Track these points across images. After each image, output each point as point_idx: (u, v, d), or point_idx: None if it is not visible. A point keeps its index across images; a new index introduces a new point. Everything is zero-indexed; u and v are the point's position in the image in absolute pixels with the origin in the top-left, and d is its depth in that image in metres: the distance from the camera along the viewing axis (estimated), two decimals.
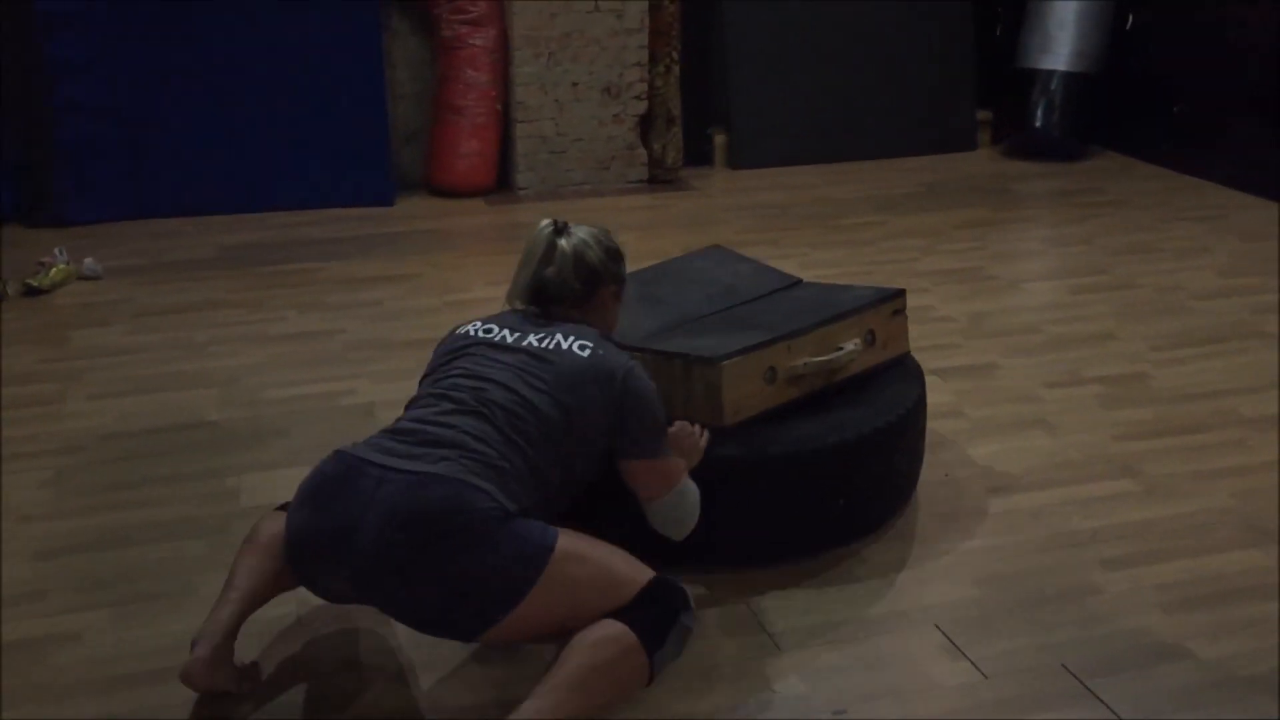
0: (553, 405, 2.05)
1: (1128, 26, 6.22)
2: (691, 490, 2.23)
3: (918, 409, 2.64)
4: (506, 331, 2.18)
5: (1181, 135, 5.98)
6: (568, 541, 1.93)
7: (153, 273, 4.43)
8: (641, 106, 5.60)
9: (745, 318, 2.69)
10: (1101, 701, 2.08)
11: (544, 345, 2.12)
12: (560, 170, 5.59)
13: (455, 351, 2.20)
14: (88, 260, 4.39)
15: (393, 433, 2.07)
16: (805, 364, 2.49)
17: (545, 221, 2.26)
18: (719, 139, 6.09)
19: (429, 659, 2.20)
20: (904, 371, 2.71)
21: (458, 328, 2.29)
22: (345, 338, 3.80)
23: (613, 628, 1.92)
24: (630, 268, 2.40)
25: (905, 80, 6.25)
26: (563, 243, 2.21)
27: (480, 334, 2.21)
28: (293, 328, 3.89)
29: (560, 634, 1.94)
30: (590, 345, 2.13)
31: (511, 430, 2.01)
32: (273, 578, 2.10)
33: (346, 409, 3.28)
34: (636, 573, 2.01)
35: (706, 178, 5.88)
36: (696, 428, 2.32)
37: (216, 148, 5.12)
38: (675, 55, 5.62)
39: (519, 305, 2.26)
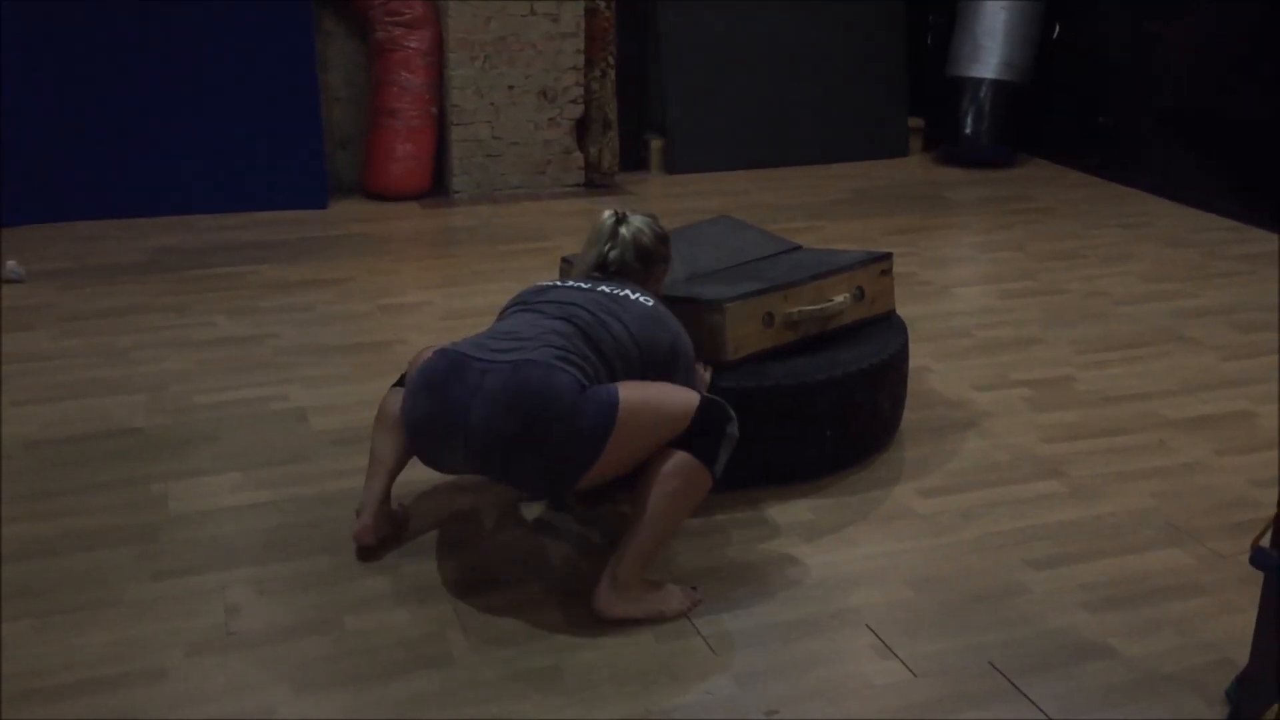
0: (624, 331, 2.39)
1: (1054, 37, 6.34)
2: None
3: (900, 356, 3.00)
4: (581, 282, 2.54)
5: (1106, 144, 6.12)
6: (628, 392, 2.27)
7: (78, 276, 4.35)
8: (578, 111, 5.61)
9: (749, 273, 3.03)
10: (1029, 700, 2.12)
11: (614, 292, 2.47)
12: (496, 174, 5.58)
13: (537, 291, 2.54)
14: (10, 263, 4.29)
15: (488, 335, 2.40)
16: (800, 311, 2.84)
17: (608, 212, 2.63)
18: (655, 144, 6.12)
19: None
20: (890, 325, 3.08)
21: (537, 283, 2.62)
22: (276, 343, 3.75)
23: (677, 458, 2.28)
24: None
25: (838, 87, 6.33)
26: (623, 230, 2.58)
27: (558, 283, 2.56)
28: (222, 332, 3.83)
29: (635, 468, 2.31)
30: (653, 300, 2.50)
31: (587, 333, 2.35)
32: (405, 449, 2.53)
33: (278, 414, 3.24)
34: (687, 404, 2.31)
35: (642, 182, 5.90)
36: (700, 365, 2.67)
37: (145, 150, 5.03)
38: (611, 60, 5.64)
39: (581, 278, 2.59)
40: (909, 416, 3.25)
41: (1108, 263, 4.72)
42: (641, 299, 2.47)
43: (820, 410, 2.82)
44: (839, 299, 2.93)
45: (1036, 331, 3.95)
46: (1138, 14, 5.91)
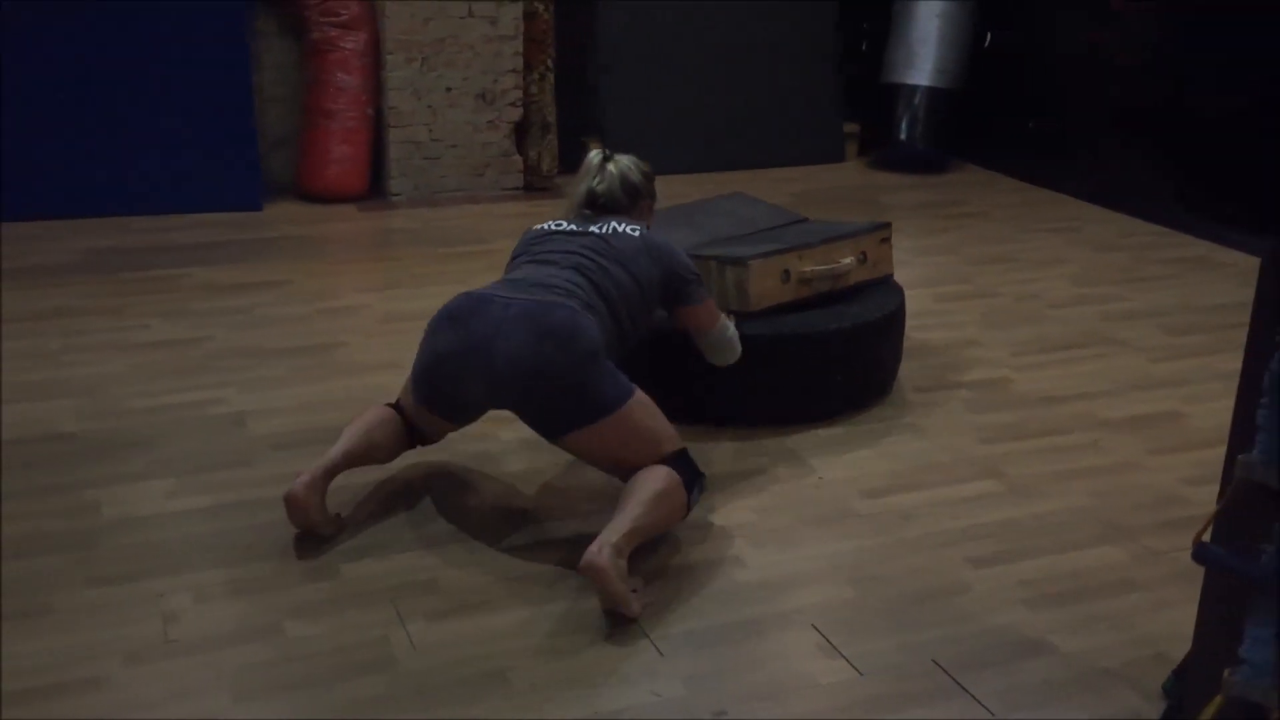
0: (622, 271, 2.62)
1: (986, 44, 6.45)
2: (730, 324, 2.92)
3: (898, 313, 3.41)
4: (574, 225, 2.76)
5: (1037, 150, 6.23)
6: (641, 395, 2.51)
7: (8, 278, 4.23)
8: (516, 113, 5.59)
9: (765, 238, 3.41)
10: (972, 696, 2.15)
11: (604, 231, 2.70)
12: (434, 176, 5.53)
13: (538, 238, 2.76)
14: None
15: (507, 282, 2.59)
16: (812, 270, 3.24)
17: (594, 151, 2.88)
18: (592, 147, 6.10)
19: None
20: (889, 287, 3.48)
21: (533, 226, 2.85)
22: (212, 345, 3.69)
23: (664, 469, 2.47)
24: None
25: (775, 92, 6.37)
26: (610, 166, 2.84)
27: (553, 227, 2.78)
28: (156, 335, 3.76)
29: (611, 469, 2.56)
30: (638, 229, 2.74)
31: (596, 284, 2.57)
32: (367, 447, 2.64)
33: (215, 419, 3.18)
34: (674, 439, 2.56)
35: None
36: (725, 314, 2.97)
37: (77, 150, 4.92)
38: (550, 63, 5.62)
39: (571, 215, 2.82)
40: (849, 419, 3.28)
41: (1040, 266, 4.81)
42: (628, 230, 2.72)
43: (831, 357, 3.20)
44: (846, 261, 3.32)
45: (973, 334, 4.01)
46: (1067, 22, 6.03)
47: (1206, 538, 1.38)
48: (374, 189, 5.53)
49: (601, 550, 2.28)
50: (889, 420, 3.30)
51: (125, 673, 2.15)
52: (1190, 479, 3.01)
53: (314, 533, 2.58)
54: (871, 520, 2.77)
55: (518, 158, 5.66)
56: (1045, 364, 3.76)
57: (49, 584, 2.41)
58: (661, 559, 2.58)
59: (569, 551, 2.58)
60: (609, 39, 6.02)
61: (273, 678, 2.15)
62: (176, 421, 3.16)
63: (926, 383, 3.57)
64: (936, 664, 2.24)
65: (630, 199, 2.83)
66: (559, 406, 2.45)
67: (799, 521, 2.76)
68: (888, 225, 3.50)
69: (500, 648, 2.26)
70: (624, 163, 2.85)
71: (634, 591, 2.38)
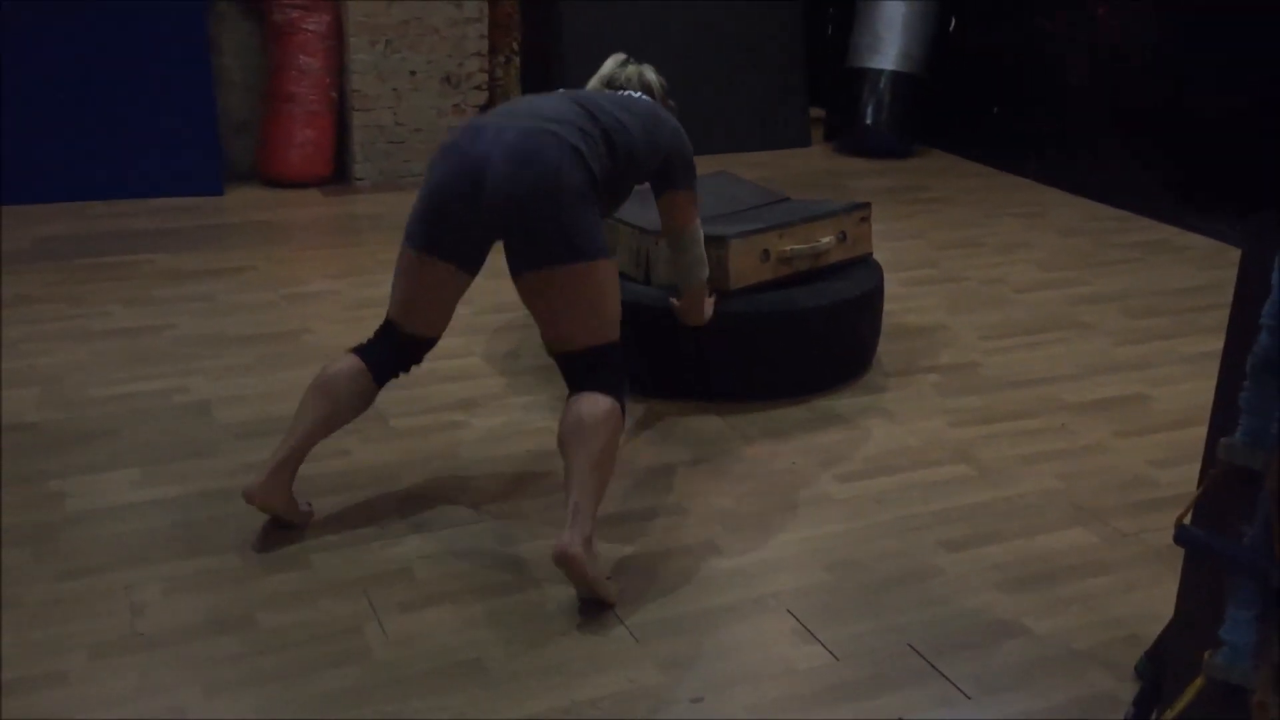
0: (627, 115, 2.60)
1: (950, 29, 6.47)
2: (699, 232, 2.93)
3: (877, 291, 3.45)
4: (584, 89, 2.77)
5: (1000, 135, 6.26)
6: (612, 264, 2.49)
7: None
8: (482, 97, 5.54)
9: (746, 217, 3.44)
10: (947, 679, 2.16)
11: (620, 93, 2.75)
12: (399, 161, 5.48)
13: (549, 90, 2.77)
14: None
15: (504, 110, 2.56)
16: (792, 250, 3.28)
17: (616, 54, 2.95)
18: None
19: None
20: (868, 266, 3.53)
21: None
22: (174, 333, 3.63)
23: (605, 402, 2.40)
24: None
25: (740, 78, 6.36)
26: (630, 66, 2.90)
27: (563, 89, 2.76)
28: (117, 323, 3.70)
29: (549, 331, 2.48)
30: (649, 101, 2.77)
31: (595, 116, 2.53)
32: (325, 419, 2.54)
33: (179, 407, 3.13)
34: (614, 328, 2.50)
35: None
36: (707, 293, 3.02)
37: (31, 135, 4.83)
38: (515, 46, 5.58)
39: None
40: (821, 404, 3.29)
41: (1005, 251, 4.83)
42: (643, 97, 2.77)
43: (811, 334, 3.26)
44: (825, 240, 3.36)
45: (941, 318, 4.02)
46: (1030, 7, 6.06)
47: (1188, 520, 1.39)
48: (338, 174, 5.46)
49: (573, 541, 2.26)
50: (862, 403, 3.31)
51: (92, 666, 2.11)
52: (1157, 461, 3.04)
53: (283, 523, 2.56)
54: (845, 504, 2.77)
55: None
56: (1012, 348, 3.78)
57: (14, 577, 2.36)
58: (636, 545, 2.57)
59: (542, 539, 2.57)
60: (574, 22, 5.98)
61: (244, 671, 2.12)
62: (140, 411, 3.11)
63: (897, 366, 3.58)
64: (912, 648, 2.25)
65: (645, 93, 2.88)
66: (534, 237, 2.41)
67: (774, 506, 2.75)
68: (867, 205, 3.55)
69: (475, 637, 2.24)
70: (645, 68, 2.93)
71: (608, 578, 2.38)
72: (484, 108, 5.55)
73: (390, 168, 5.46)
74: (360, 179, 5.42)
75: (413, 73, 5.40)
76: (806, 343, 3.29)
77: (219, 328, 3.68)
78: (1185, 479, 2.94)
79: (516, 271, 2.47)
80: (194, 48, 5.01)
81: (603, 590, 2.33)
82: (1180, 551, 2.57)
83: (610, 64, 2.92)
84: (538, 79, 5.84)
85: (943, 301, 4.18)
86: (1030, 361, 3.67)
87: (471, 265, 2.55)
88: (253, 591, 2.35)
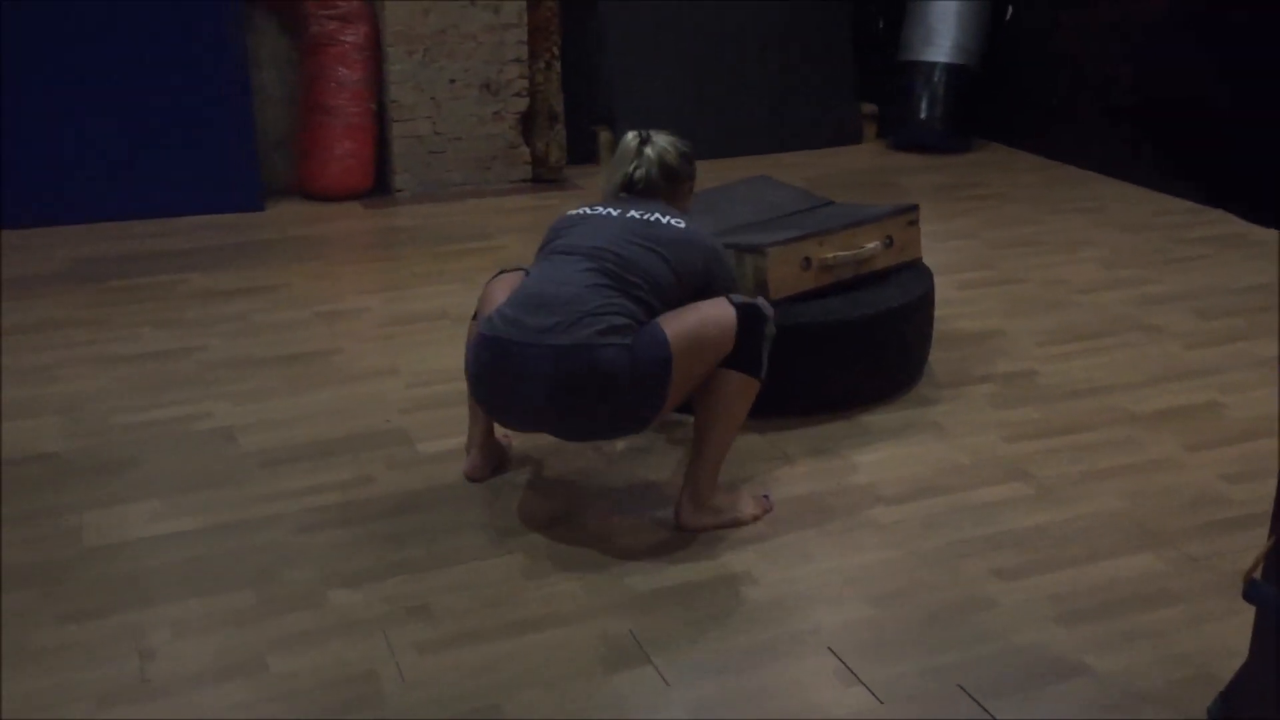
0: (659, 263, 2.48)
1: (1006, 19, 6.24)
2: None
3: (927, 298, 3.29)
4: (611, 209, 2.62)
5: (1059, 127, 6.02)
6: (673, 330, 2.38)
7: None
8: (522, 104, 5.43)
9: (787, 223, 3.30)
10: None
11: (645, 217, 2.56)
12: (439, 171, 5.39)
13: (569, 224, 2.63)
14: None
15: (523, 298, 2.44)
16: (834, 257, 3.13)
17: (631, 134, 2.75)
18: (604, 136, 5.95)
19: None
20: (917, 271, 3.36)
21: (568, 211, 2.71)
22: (203, 356, 3.56)
23: (727, 382, 2.46)
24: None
25: (788, 74, 6.19)
26: (648, 150, 2.71)
27: (588, 211, 2.65)
28: (146, 347, 3.63)
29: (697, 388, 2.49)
30: (683, 221, 2.60)
31: (622, 281, 2.43)
32: None
33: (203, 434, 3.06)
34: (727, 322, 2.43)
35: (592, 176, 5.73)
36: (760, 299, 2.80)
37: (70, 154, 4.81)
38: (555, 51, 5.47)
39: (610, 200, 2.71)
40: (866, 419, 3.13)
41: (1065, 249, 4.62)
42: (673, 221, 2.58)
43: (855, 346, 3.11)
44: (870, 245, 3.21)
45: (997, 323, 3.83)
46: None
47: (1259, 572, 1.22)
48: (379, 185, 5.39)
49: (687, 512, 2.55)
50: (910, 418, 3.14)
51: (99, 716, 2.02)
52: (1230, 475, 2.84)
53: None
54: (891, 529, 2.61)
55: (524, 149, 5.51)
56: (1073, 354, 3.58)
57: (20, 621, 2.28)
58: (667, 575, 2.43)
59: (570, 573, 2.44)
60: (616, 24, 5.86)
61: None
62: (163, 438, 3.03)
63: (949, 376, 3.40)
64: (962, 689, 2.08)
65: (669, 182, 2.72)
66: (622, 425, 2.47)
67: (814, 532, 2.60)
68: (915, 207, 3.38)
69: (494, 680, 2.12)
70: (661, 144, 2.72)
71: (761, 496, 2.66)
72: (525, 116, 5.44)
73: (430, 178, 5.38)
74: (400, 190, 5.34)
75: (451, 81, 5.31)
76: (851, 355, 3.12)
77: (248, 349, 3.61)
78: (1260, 496, 2.73)
79: (638, 429, 2.53)
80: (232, 62, 4.96)
81: (738, 523, 2.59)
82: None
83: (625, 153, 2.71)
84: (580, 83, 5.72)
85: (999, 305, 3.99)
86: (1092, 369, 3.47)
87: None
88: (265, 632, 2.25)
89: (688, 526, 2.56)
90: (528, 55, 5.40)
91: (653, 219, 2.56)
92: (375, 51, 5.25)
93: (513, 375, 2.36)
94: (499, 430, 2.85)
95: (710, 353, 2.43)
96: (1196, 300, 4.03)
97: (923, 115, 6.10)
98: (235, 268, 4.37)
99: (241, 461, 2.91)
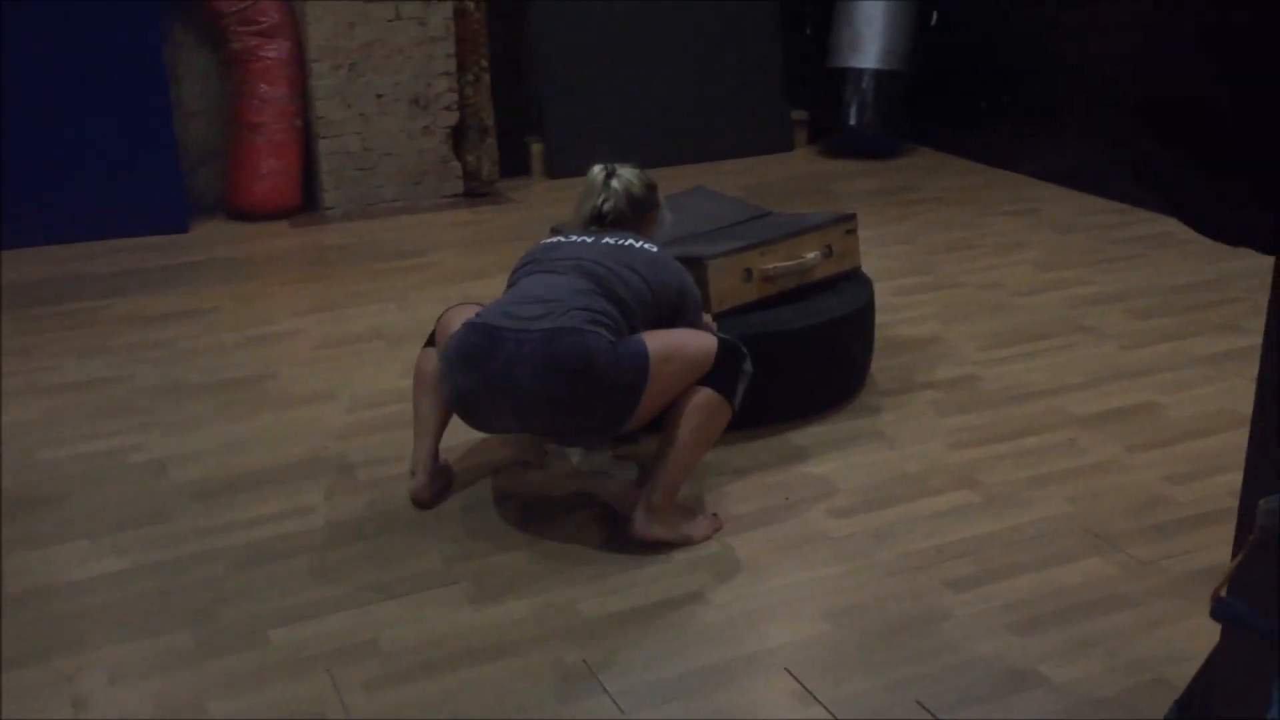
0: (637, 278, 2.57)
1: (932, 24, 6.30)
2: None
3: (868, 307, 3.30)
4: (585, 237, 2.69)
5: (990, 130, 6.08)
6: (655, 345, 2.47)
7: None
8: (452, 118, 5.36)
9: (727, 234, 3.30)
10: None
11: (619, 243, 2.65)
12: (369, 187, 5.30)
13: (546, 249, 2.69)
14: None
15: (511, 300, 2.52)
16: (775, 267, 3.13)
17: (597, 166, 2.81)
18: (536, 148, 5.90)
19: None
20: (857, 280, 3.37)
21: (540, 241, 2.78)
22: (133, 384, 3.45)
23: (701, 396, 2.52)
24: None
25: (719, 82, 6.19)
26: (614, 182, 2.77)
27: (562, 240, 2.71)
28: (71, 376, 3.51)
29: (665, 409, 2.54)
30: (655, 247, 2.69)
31: (606, 287, 2.52)
32: (447, 409, 2.66)
33: (133, 468, 2.95)
34: (708, 348, 2.54)
35: (525, 188, 5.68)
36: (708, 317, 2.89)
37: None
38: (484, 63, 5.40)
39: (581, 231, 2.75)
40: (811, 429, 3.11)
41: (1001, 252, 4.66)
42: (646, 245, 2.67)
43: (801, 356, 3.10)
44: (811, 255, 3.21)
45: (936, 328, 3.84)
46: None
47: (1224, 590, 1.21)
48: (307, 203, 5.29)
49: (641, 520, 2.52)
50: (855, 428, 3.13)
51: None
52: (1173, 476, 2.86)
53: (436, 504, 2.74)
54: (843, 543, 2.59)
55: (456, 164, 5.43)
56: (1013, 357, 3.60)
57: None
58: (620, 598, 2.39)
59: (522, 598, 2.39)
60: (545, 35, 5.81)
61: None
62: (91, 473, 2.92)
63: (892, 384, 3.40)
64: (921, 705, 2.06)
65: (636, 212, 2.79)
66: (592, 425, 2.50)
67: (765, 548, 2.57)
68: (853, 216, 3.38)
69: (446, 716, 2.06)
70: (627, 176, 2.79)
71: (703, 516, 2.63)
72: (455, 129, 5.36)
73: (360, 194, 5.28)
74: (329, 207, 5.24)
75: (379, 96, 5.22)
76: (796, 366, 3.10)
77: (178, 376, 3.50)
78: (1205, 496, 2.76)
79: (609, 435, 2.63)
80: (153, 80, 4.83)
81: (690, 541, 2.56)
82: (1204, 582, 2.40)
83: (593, 187, 2.77)
84: (511, 94, 5.66)
85: (937, 310, 4.00)
86: (1032, 372, 3.49)
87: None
88: (205, 674, 2.17)
89: (638, 535, 2.53)
90: (456, 68, 5.33)
91: (626, 244, 2.64)
92: (299, 66, 5.15)
93: (502, 360, 2.39)
94: (443, 454, 2.79)
95: (687, 370, 2.49)
96: (1130, 301, 4.08)
97: (853, 121, 6.13)
98: (162, 291, 4.25)
99: (174, 495, 2.81)
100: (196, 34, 5.14)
